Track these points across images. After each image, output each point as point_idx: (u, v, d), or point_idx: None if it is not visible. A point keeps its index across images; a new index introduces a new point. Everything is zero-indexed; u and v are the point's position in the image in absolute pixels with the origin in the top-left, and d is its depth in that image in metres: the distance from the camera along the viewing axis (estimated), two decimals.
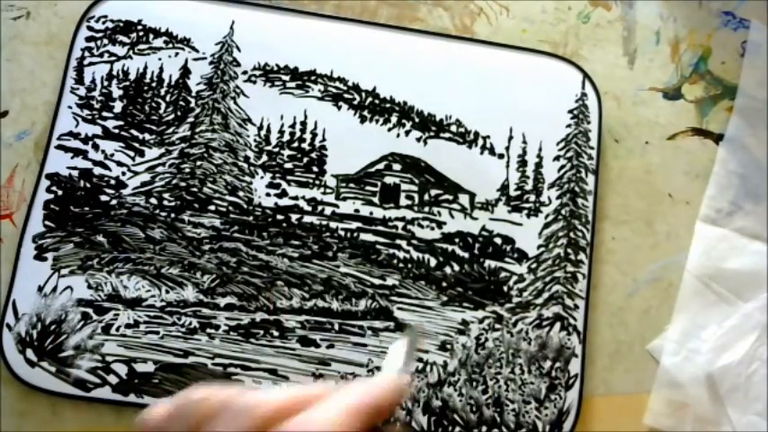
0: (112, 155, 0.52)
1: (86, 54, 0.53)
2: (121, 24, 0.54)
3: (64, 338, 0.48)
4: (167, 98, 0.53)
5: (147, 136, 0.52)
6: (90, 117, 0.52)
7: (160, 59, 0.53)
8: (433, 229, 0.52)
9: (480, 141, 0.53)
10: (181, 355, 0.48)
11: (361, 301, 0.50)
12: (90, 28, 0.54)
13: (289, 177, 0.52)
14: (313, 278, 0.50)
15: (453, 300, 0.50)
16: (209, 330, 0.49)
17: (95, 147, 0.52)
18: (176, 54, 0.54)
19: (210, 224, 0.51)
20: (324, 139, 0.53)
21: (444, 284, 0.50)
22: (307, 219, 0.51)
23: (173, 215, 0.51)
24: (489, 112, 0.53)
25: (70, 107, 0.52)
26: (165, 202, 0.51)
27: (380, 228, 0.51)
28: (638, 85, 0.56)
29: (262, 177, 0.52)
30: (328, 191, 0.52)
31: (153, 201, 0.51)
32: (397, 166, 0.53)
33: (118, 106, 0.52)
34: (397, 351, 0.32)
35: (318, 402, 0.26)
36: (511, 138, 0.53)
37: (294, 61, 0.54)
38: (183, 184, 0.52)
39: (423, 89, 0.54)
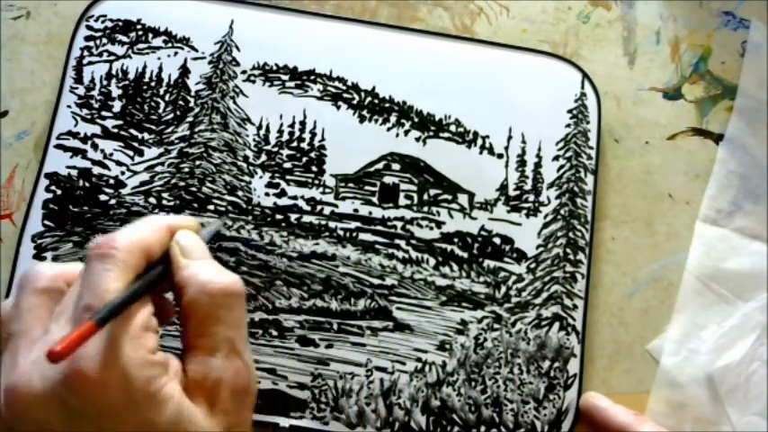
0: (111, 154, 0.52)
1: (85, 53, 0.53)
2: (121, 24, 0.54)
3: None
4: (166, 97, 0.53)
5: (146, 135, 0.52)
6: (89, 116, 0.52)
7: (159, 59, 0.53)
8: (432, 228, 0.52)
9: (479, 141, 0.53)
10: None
11: (360, 301, 0.50)
12: (89, 27, 0.54)
13: (288, 177, 0.52)
14: (312, 278, 0.50)
15: (452, 300, 0.50)
16: None
17: (94, 146, 0.52)
18: (175, 53, 0.54)
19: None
20: (323, 139, 0.53)
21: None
22: (306, 218, 0.51)
23: (172, 215, 0.51)
24: (488, 111, 0.53)
25: (69, 106, 0.52)
26: (165, 202, 0.51)
27: (379, 227, 0.51)
28: (638, 85, 0.56)
29: (261, 177, 0.52)
30: (327, 190, 0.52)
31: (152, 200, 0.51)
32: (396, 166, 0.53)
33: (117, 106, 0.52)
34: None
35: None
36: (510, 137, 0.53)
37: (293, 61, 0.54)
38: (182, 183, 0.52)
39: (422, 89, 0.54)
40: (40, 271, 0.32)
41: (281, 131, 0.53)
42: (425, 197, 0.52)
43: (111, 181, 0.51)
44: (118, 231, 0.31)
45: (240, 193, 0.52)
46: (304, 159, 0.52)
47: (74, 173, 0.51)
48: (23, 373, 0.29)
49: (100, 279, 0.29)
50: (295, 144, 0.53)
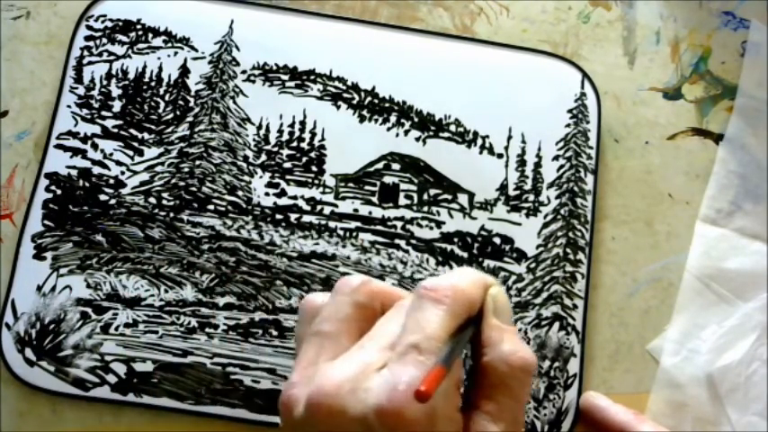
0: (111, 154, 0.52)
1: (85, 53, 0.53)
2: (120, 24, 0.54)
3: (63, 338, 0.48)
4: (166, 97, 0.53)
5: (146, 135, 0.52)
6: (89, 116, 0.52)
7: (159, 59, 0.53)
8: (432, 228, 0.52)
9: (479, 141, 0.53)
10: (180, 355, 0.48)
11: None
12: (89, 27, 0.54)
13: (288, 177, 0.52)
14: (312, 278, 0.50)
15: None
16: (207, 330, 0.49)
17: (94, 146, 0.52)
18: (175, 53, 0.54)
19: (209, 224, 0.51)
20: (323, 139, 0.53)
21: None
22: (306, 218, 0.51)
23: (172, 214, 0.51)
24: (488, 111, 0.53)
25: (69, 106, 0.52)
26: (164, 202, 0.51)
27: (379, 227, 0.51)
28: (638, 85, 0.56)
29: (261, 177, 0.52)
30: (327, 190, 0.52)
31: (152, 200, 0.51)
32: (396, 166, 0.53)
33: (117, 105, 0.52)
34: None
35: None
36: (510, 137, 0.53)
37: (293, 61, 0.54)
38: (182, 183, 0.52)
39: (422, 89, 0.54)
40: (363, 284, 0.33)
41: (281, 131, 0.53)
42: (425, 197, 0.52)
43: (111, 181, 0.51)
44: (448, 278, 0.32)
45: (240, 192, 0.52)
46: (304, 159, 0.52)
47: (74, 173, 0.51)
48: (335, 385, 0.29)
49: (432, 323, 0.30)
50: (295, 144, 0.53)
